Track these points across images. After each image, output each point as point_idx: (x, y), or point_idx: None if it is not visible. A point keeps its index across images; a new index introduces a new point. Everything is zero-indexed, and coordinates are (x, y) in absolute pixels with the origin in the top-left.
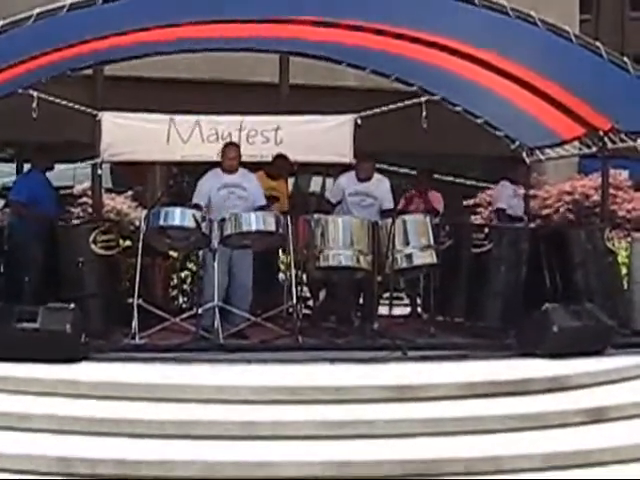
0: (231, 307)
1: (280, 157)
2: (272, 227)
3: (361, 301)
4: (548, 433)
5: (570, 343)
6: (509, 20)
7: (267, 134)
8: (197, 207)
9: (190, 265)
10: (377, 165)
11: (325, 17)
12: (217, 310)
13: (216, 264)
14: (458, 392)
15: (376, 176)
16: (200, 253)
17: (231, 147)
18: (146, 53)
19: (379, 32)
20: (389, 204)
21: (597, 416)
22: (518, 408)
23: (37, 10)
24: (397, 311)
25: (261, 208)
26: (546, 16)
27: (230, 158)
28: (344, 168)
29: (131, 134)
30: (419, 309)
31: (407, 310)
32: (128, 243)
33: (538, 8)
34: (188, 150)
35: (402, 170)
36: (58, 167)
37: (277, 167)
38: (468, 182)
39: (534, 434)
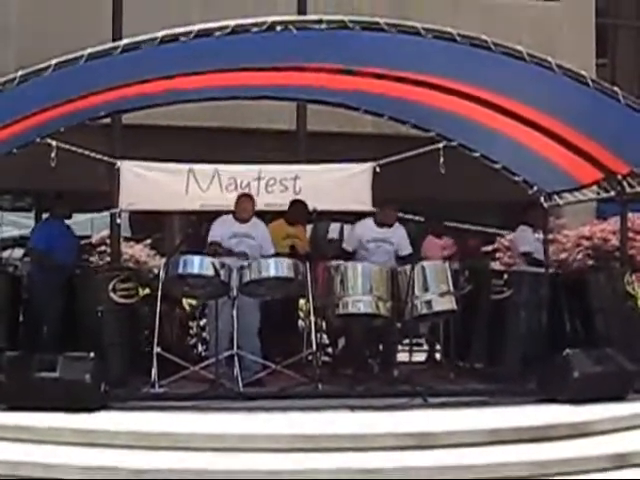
0: (247, 354)
1: (297, 202)
2: (291, 273)
3: (381, 348)
4: (571, 479)
5: (591, 388)
6: (526, 65)
7: (286, 183)
8: (215, 244)
9: (209, 313)
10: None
11: (342, 65)
12: (236, 358)
13: (234, 311)
14: (480, 439)
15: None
16: (209, 302)
17: (246, 198)
18: (164, 102)
19: (397, 79)
20: (407, 250)
21: (620, 462)
22: (541, 454)
23: (55, 60)
24: (417, 358)
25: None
26: (563, 61)
27: (244, 210)
28: (362, 215)
29: (150, 184)
30: (438, 355)
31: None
32: (147, 291)
33: (555, 53)
34: (207, 199)
35: (420, 218)
36: (76, 216)
37: (294, 212)
38: (486, 229)
39: None
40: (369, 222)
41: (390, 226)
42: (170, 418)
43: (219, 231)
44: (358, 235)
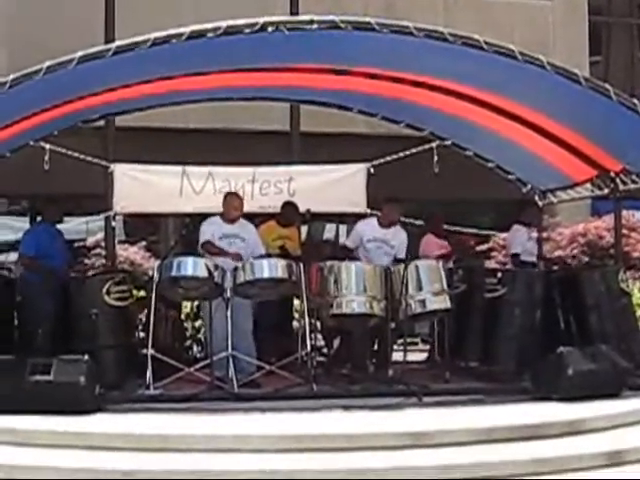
0: (242, 355)
1: (288, 204)
2: (285, 274)
3: (375, 347)
4: (566, 477)
5: (586, 386)
6: (518, 64)
7: (280, 185)
8: (209, 243)
9: (203, 314)
10: None
11: (336, 65)
12: (230, 359)
13: (229, 312)
14: (475, 438)
15: (396, 225)
16: (203, 303)
17: (234, 197)
18: (157, 104)
19: (390, 79)
20: (402, 255)
21: (615, 459)
22: (536, 452)
23: (47, 63)
24: (411, 357)
25: (260, 257)
26: (556, 59)
27: (233, 208)
28: (360, 215)
29: (144, 186)
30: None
31: (422, 356)
32: (142, 294)
33: (548, 51)
34: (200, 202)
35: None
36: (71, 220)
37: (286, 214)
38: (480, 230)
39: (553, 478)
40: (373, 221)
41: (394, 225)
42: (165, 420)
43: (210, 230)
44: (359, 232)
